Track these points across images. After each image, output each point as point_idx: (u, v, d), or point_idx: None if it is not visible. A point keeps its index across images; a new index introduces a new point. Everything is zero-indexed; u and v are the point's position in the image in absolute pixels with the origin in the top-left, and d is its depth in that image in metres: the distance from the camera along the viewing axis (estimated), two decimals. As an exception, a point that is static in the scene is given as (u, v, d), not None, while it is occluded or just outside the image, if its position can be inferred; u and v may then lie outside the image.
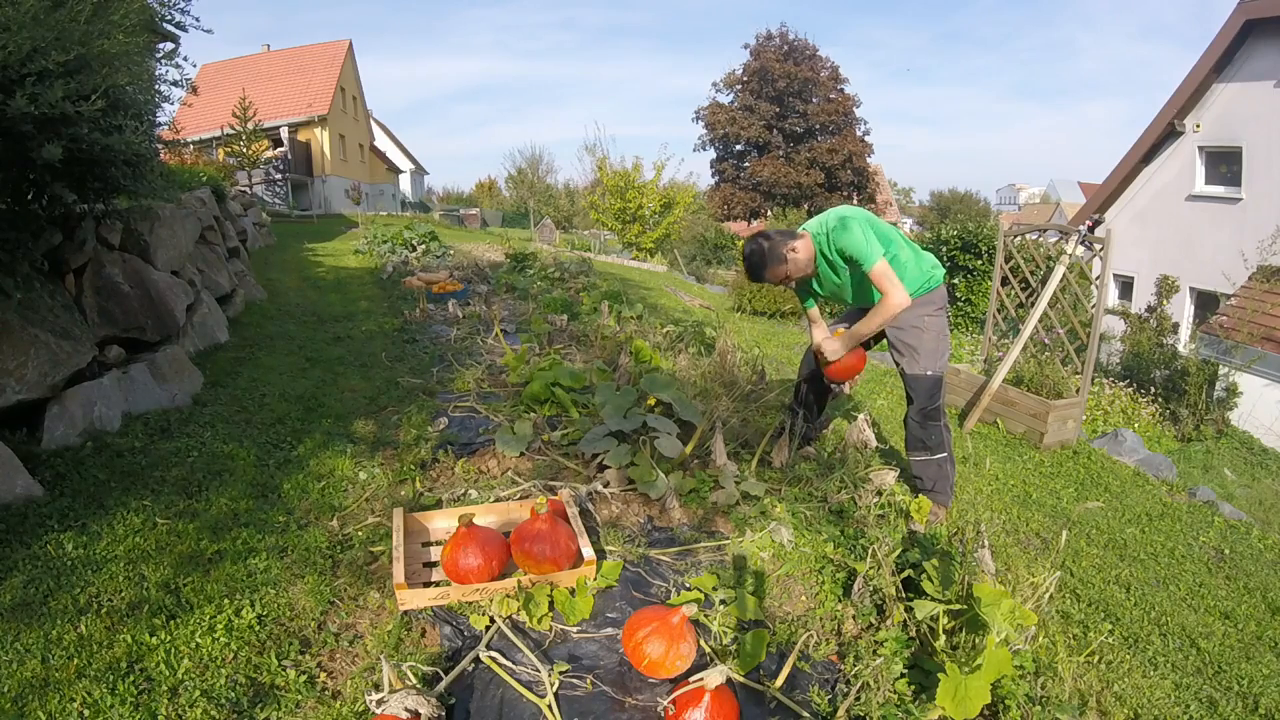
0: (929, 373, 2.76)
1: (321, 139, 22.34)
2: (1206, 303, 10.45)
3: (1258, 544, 3.57)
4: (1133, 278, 11.87)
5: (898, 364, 2.87)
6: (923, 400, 2.79)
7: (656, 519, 2.54)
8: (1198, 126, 10.97)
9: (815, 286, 2.88)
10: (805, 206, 27.21)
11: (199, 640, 1.73)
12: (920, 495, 2.87)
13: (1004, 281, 5.23)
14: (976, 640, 1.76)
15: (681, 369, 4.01)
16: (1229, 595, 2.95)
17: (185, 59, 3.15)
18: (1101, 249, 4.54)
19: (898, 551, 2.17)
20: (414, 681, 1.63)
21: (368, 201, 24.34)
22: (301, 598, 1.96)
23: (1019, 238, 5.31)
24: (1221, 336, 8.48)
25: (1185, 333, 9.89)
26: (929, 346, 2.75)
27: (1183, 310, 10.60)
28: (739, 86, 29.37)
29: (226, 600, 1.89)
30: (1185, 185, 11.23)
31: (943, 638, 1.82)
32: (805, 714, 1.67)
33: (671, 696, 1.62)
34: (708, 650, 1.88)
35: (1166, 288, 9.07)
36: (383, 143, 34.08)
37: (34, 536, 2.07)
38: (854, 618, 2.04)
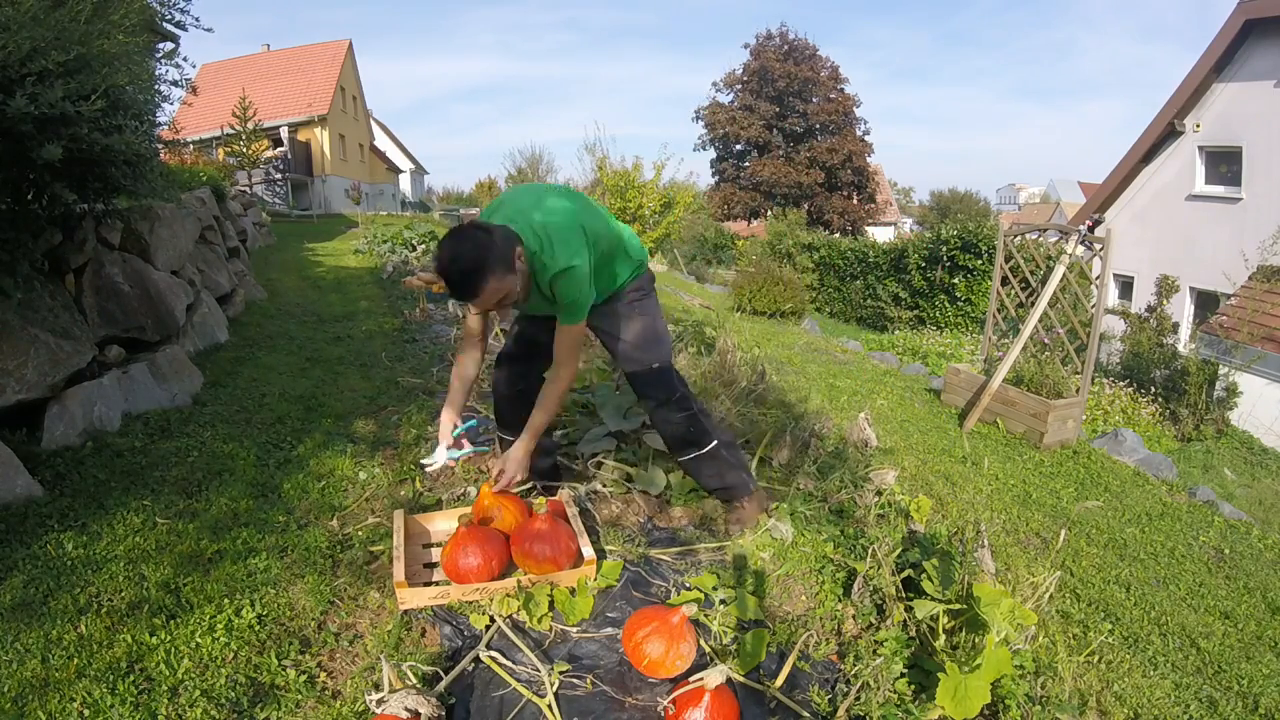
0: (654, 365, 2.28)
1: (321, 139, 22.34)
2: (1206, 302, 10.45)
3: (1258, 544, 3.57)
4: (1133, 278, 11.87)
5: (615, 362, 2.50)
6: (659, 393, 2.30)
7: (656, 518, 2.54)
8: (1198, 126, 10.97)
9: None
10: (805, 206, 27.22)
11: (199, 640, 1.73)
12: (919, 498, 2.85)
13: (1004, 281, 5.23)
14: (976, 640, 1.76)
15: (681, 369, 4.01)
16: (1229, 595, 2.95)
17: (185, 59, 3.16)
18: (1101, 249, 4.54)
19: (898, 551, 2.17)
20: (414, 681, 1.63)
21: (368, 201, 24.33)
22: (301, 597, 1.96)
23: (1019, 237, 5.31)
24: (1221, 336, 8.48)
25: (1185, 332, 9.89)
26: (637, 335, 2.26)
27: (1183, 310, 10.60)
28: (739, 86, 29.36)
29: (226, 600, 1.89)
30: (1185, 185, 11.23)
31: (943, 637, 1.82)
32: (805, 714, 1.67)
33: (671, 696, 1.62)
34: (708, 650, 1.88)
35: (1166, 288, 9.07)
36: (383, 142, 34.07)
37: (34, 536, 2.07)
38: (854, 617, 2.04)
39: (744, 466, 2.49)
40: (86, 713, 1.50)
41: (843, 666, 1.88)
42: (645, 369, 2.30)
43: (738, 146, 30.11)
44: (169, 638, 1.73)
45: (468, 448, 2.24)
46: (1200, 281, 10.51)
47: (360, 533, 2.31)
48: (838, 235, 22.28)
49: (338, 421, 3.25)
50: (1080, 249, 4.73)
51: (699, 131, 30.47)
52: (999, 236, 5.28)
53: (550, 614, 1.96)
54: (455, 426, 2.22)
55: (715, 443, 2.37)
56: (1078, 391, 4.70)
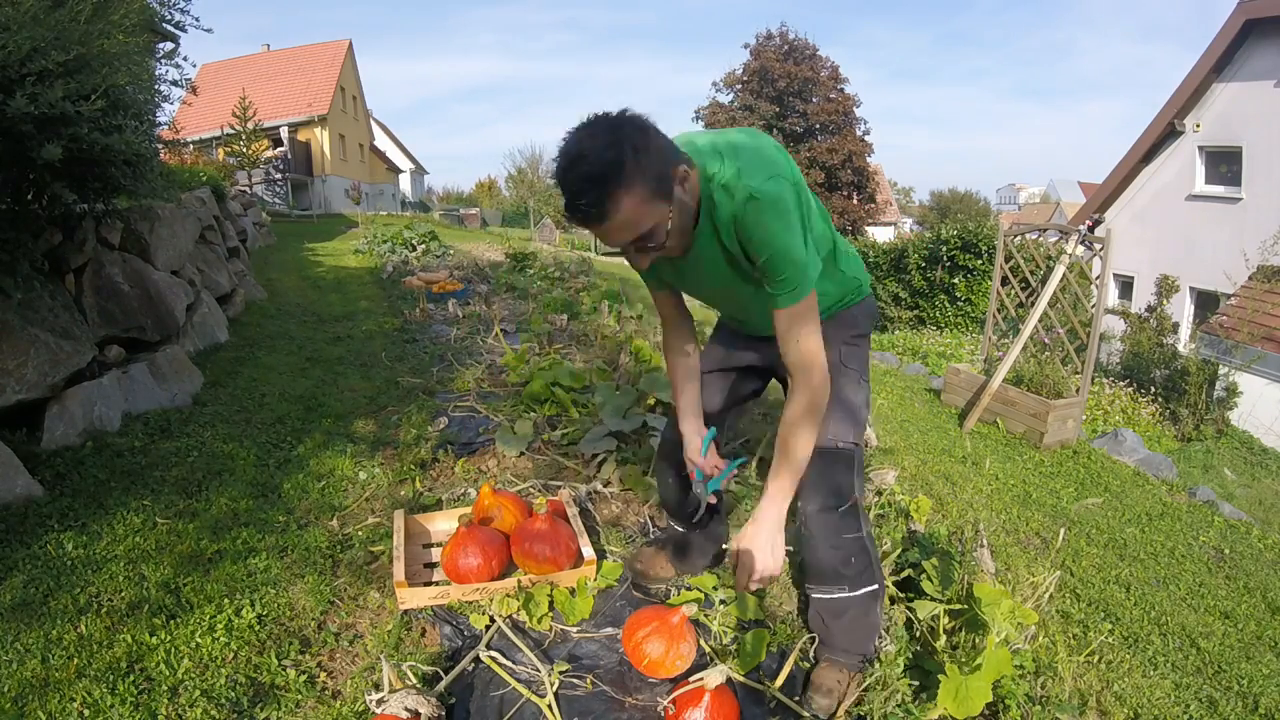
0: (839, 444, 1.56)
1: (321, 139, 22.34)
2: (1206, 302, 10.45)
3: (1258, 544, 3.57)
4: (1133, 278, 11.87)
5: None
6: (827, 489, 1.58)
7: (657, 518, 2.54)
8: (1198, 126, 10.97)
9: (673, 276, 1.55)
10: (805, 206, 27.20)
11: (199, 640, 1.73)
12: (918, 498, 2.84)
13: (1004, 281, 5.23)
14: (977, 640, 1.76)
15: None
16: (1229, 595, 2.95)
17: (185, 59, 3.16)
18: (1101, 249, 4.54)
19: (898, 551, 2.17)
20: (414, 681, 1.63)
21: (368, 201, 24.33)
22: (301, 597, 1.95)
23: (1019, 237, 5.31)
24: (1221, 336, 8.48)
25: (1185, 332, 9.89)
26: (845, 398, 1.57)
27: (1183, 310, 10.60)
28: (739, 86, 29.35)
29: (226, 600, 1.89)
30: (1185, 185, 11.23)
31: (943, 637, 1.82)
32: (805, 714, 1.67)
33: (671, 696, 1.62)
34: (708, 650, 1.88)
35: (1166, 287, 9.07)
36: (383, 142, 34.07)
37: (34, 536, 2.07)
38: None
39: (880, 632, 1.78)
40: (86, 713, 1.50)
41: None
42: (824, 448, 1.50)
43: (738, 146, 30.08)
44: (169, 638, 1.73)
45: (724, 467, 1.67)
46: (1200, 281, 10.51)
47: (360, 533, 2.31)
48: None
49: (338, 421, 3.25)
50: (1080, 249, 4.73)
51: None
52: (999, 236, 5.28)
53: (550, 614, 1.96)
54: (701, 441, 1.66)
55: (875, 587, 1.67)
56: (1078, 391, 4.69)
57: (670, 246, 1.30)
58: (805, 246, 1.28)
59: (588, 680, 1.74)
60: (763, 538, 1.41)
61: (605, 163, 1.12)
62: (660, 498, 2.14)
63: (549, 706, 1.63)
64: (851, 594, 1.65)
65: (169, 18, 3.17)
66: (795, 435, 1.38)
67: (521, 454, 2.90)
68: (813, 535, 1.60)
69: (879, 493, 2.75)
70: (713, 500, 1.68)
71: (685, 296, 1.70)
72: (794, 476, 1.41)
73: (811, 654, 1.80)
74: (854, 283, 1.59)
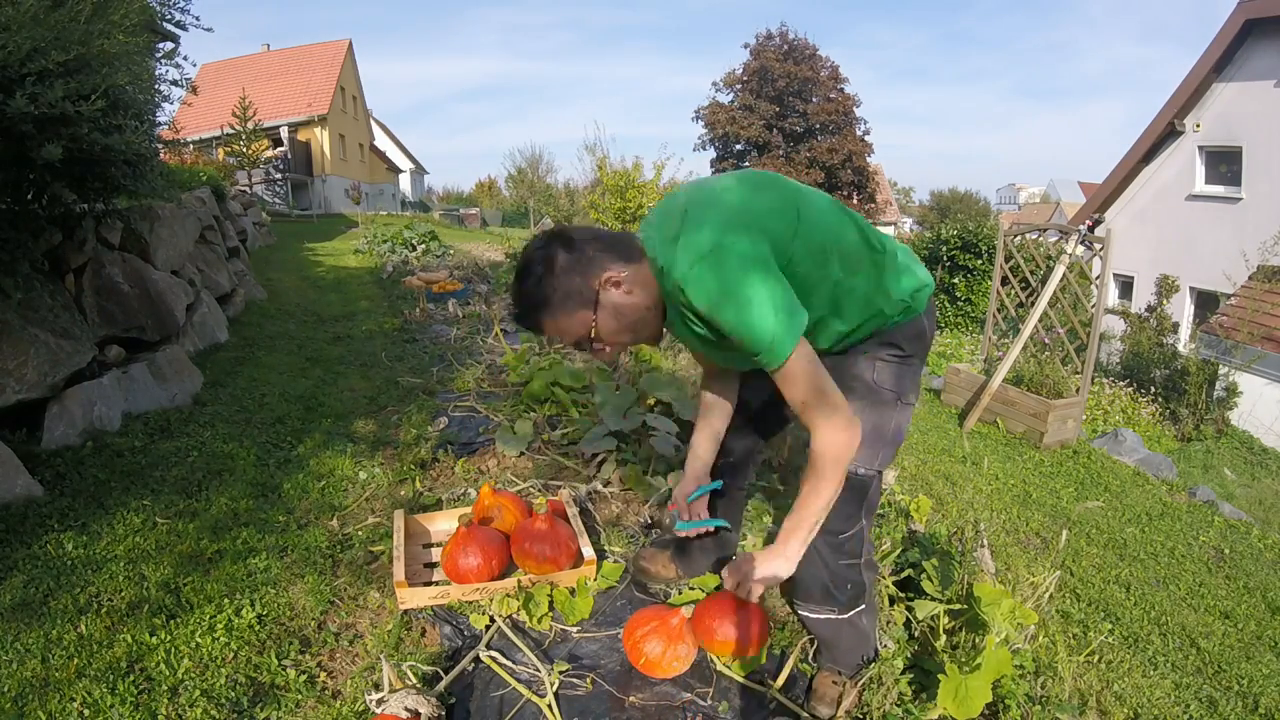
0: (858, 471, 1.50)
1: (321, 139, 22.35)
2: (1206, 302, 10.45)
3: (1258, 544, 3.57)
4: (1133, 277, 11.87)
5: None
6: (835, 520, 1.50)
7: (659, 518, 2.54)
8: (1198, 126, 10.97)
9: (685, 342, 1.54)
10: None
11: (199, 640, 1.73)
12: (918, 498, 2.84)
13: (1004, 281, 5.23)
14: (976, 640, 1.76)
15: (682, 368, 4.01)
16: (1229, 595, 2.95)
17: (185, 58, 3.16)
18: (1101, 248, 4.54)
19: (898, 551, 2.17)
20: (414, 681, 1.63)
21: (367, 201, 24.33)
22: (301, 597, 1.96)
23: (1019, 237, 5.31)
24: (1221, 336, 8.48)
25: (1185, 332, 9.89)
26: (874, 422, 1.49)
27: (1183, 310, 10.60)
28: (739, 86, 29.36)
29: (226, 600, 1.89)
30: (1185, 185, 11.23)
31: (943, 637, 1.82)
32: (805, 714, 1.67)
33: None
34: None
35: (1166, 287, 9.07)
36: (383, 142, 34.08)
37: (34, 536, 2.07)
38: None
39: (874, 640, 1.76)
40: (86, 713, 1.50)
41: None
42: (852, 471, 1.46)
43: (738, 146, 30.11)
44: (169, 638, 1.73)
45: (702, 518, 1.70)
46: (1200, 281, 10.51)
47: (360, 533, 2.31)
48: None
49: (338, 421, 3.25)
50: (1080, 249, 4.73)
51: (699, 131, 30.49)
52: (999, 236, 5.28)
53: (550, 614, 1.96)
54: (696, 489, 1.70)
55: (863, 608, 1.66)
56: (1078, 391, 4.69)
57: (620, 343, 1.39)
58: (767, 314, 1.21)
59: (588, 680, 1.74)
60: (765, 567, 1.43)
61: (528, 296, 1.34)
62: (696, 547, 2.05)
63: (549, 706, 1.63)
64: (840, 616, 1.64)
65: (169, 17, 3.17)
66: (808, 487, 1.35)
67: (521, 454, 2.90)
68: (809, 556, 1.51)
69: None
70: (682, 534, 1.73)
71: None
72: (802, 529, 1.39)
73: (811, 657, 1.81)
74: (898, 305, 1.45)
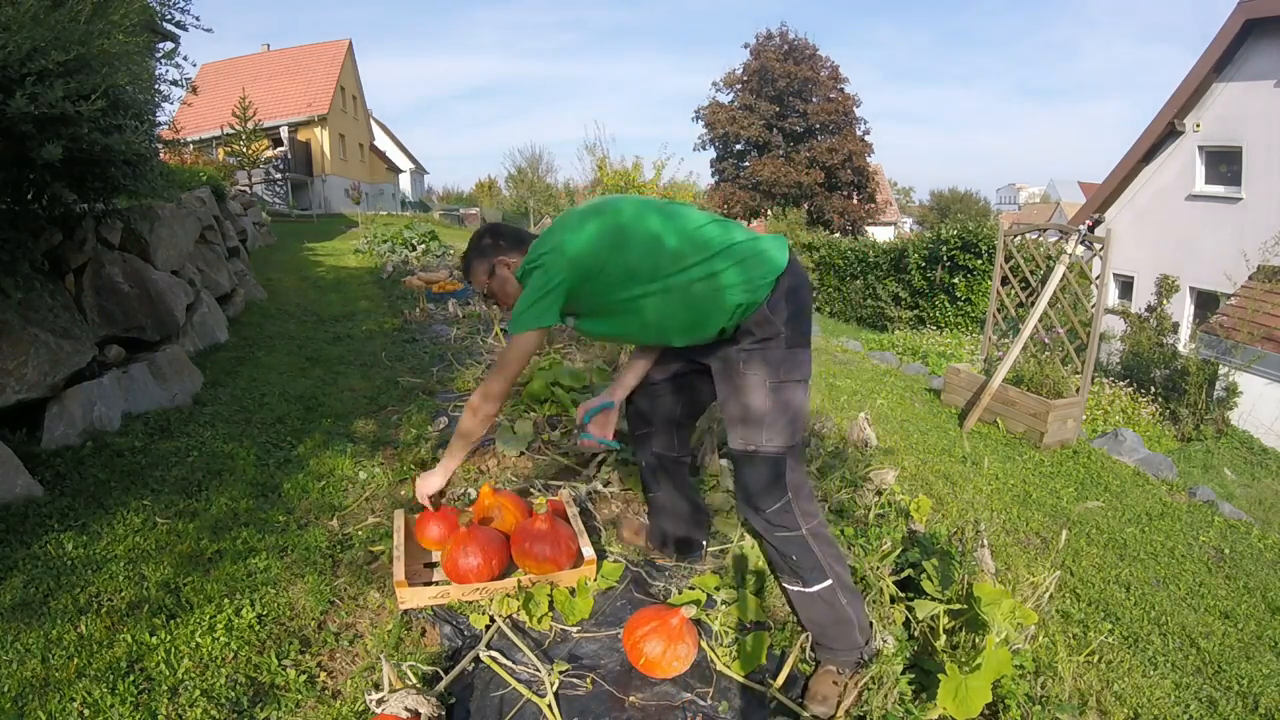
0: (749, 447, 1.68)
1: (321, 138, 22.35)
2: (1206, 302, 10.45)
3: (1258, 544, 3.57)
4: (1133, 277, 11.87)
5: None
6: (753, 491, 1.70)
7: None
8: (1198, 126, 10.97)
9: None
10: (805, 206, 27.20)
11: (199, 640, 1.73)
12: (918, 498, 2.84)
13: (1004, 281, 5.23)
14: (976, 640, 1.76)
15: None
16: (1229, 595, 2.95)
17: (185, 58, 3.15)
18: (1101, 248, 4.54)
19: (898, 551, 2.17)
20: (414, 681, 1.63)
21: (367, 201, 24.33)
22: (301, 597, 1.95)
23: (1019, 237, 5.31)
24: (1221, 336, 8.48)
25: (1185, 332, 9.89)
26: (743, 401, 1.69)
27: (1183, 310, 10.60)
28: (739, 86, 29.33)
29: (226, 600, 1.89)
30: (1185, 185, 11.23)
31: (943, 637, 1.82)
32: (805, 714, 1.67)
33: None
34: (710, 652, 1.87)
35: (1166, 287, 9.07)
36: (383, 142, 34.08)
37: (34, 536, 2.07)
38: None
39: (861, 625, 1.76)
40: (86, 713, 1.50)
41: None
42: (741, 452, 1.69)
43: (738, 146, 30.09)
44: (169, 637, 1.73)
45: (608, 438, 2.04)
46: (1200, 281, 10.51)
47: (360, 533, 2.31)
48: (837, 235, 22.26)
49: (338, 421, 3.25)
50: (1080, 249, 4.73)
51: (699, 131, 30.45)
52: (999, 236, 5.28)
53: (550, 614, 1.96)
54: (593, 406, 2.07)
55: (828, 583, 1.71)
56: (1078, 391, 4.69)
57: (505, 303, 1.92)
58: (531, 301, 1.71)
59: (588, 680, 1.74)
60: (424, 480, 2.06)
61: (467, 257, 1.97)
62: (656, 521, 2.26)
63: (549, 706, 1.63)
64: (806, 589, 1.72)
65: (169, 18, 3.17)
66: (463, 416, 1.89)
67: (521, 454, 2.90)
68: (755, 535, 1.82)
69: (879, 493, 2.75)
70: (584, 444, 2.10)
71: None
72: (452, 449, 1.98)
73: (809, 653, 1.83)
74: (738, 298, 1.66)
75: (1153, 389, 7.75)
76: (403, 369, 4.16)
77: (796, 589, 1.74)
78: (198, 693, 1.58)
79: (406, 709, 1.50)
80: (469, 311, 5.83)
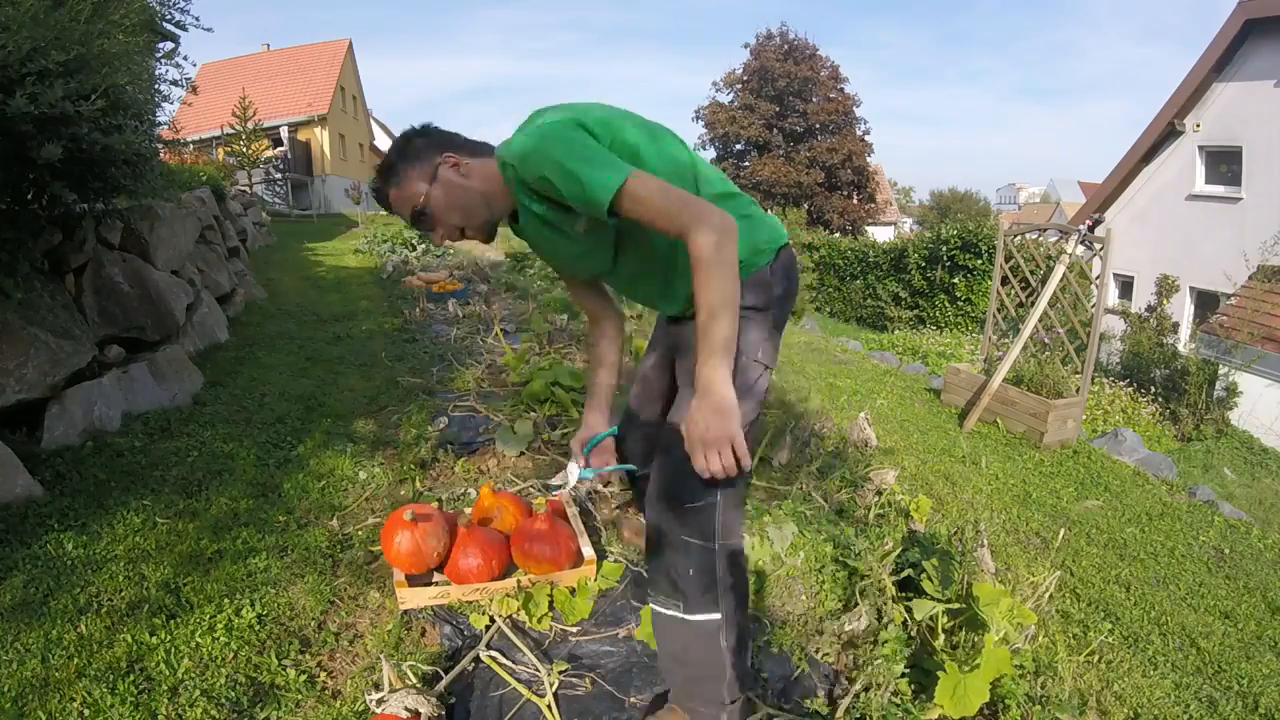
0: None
1: (321, 138, 22.34)
2: (1207, 302, 10.45)
3: (1258, 543, 3.57)
4: (1133, 277, 11.87)
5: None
6: (678, 476, 1.33)
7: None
8: (1198, 126, 10.97)
9: (554, 263, 1.60)
10: (805, 206, 27.21)
11: (199, 640, 1.73)
12: (918, 498, 2.84)
13: (1004, 281, 5.23)
14: (976, 639, 1.76)
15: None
16: (1229, 595, 2.95)
17: (185, 58, 3.18)
18: (1101, 248, 4.54)
19: (898, 551, 2.17)
20: (414, 681, 1.63)
21: (368, 201, 24.30)
22: (301, 597, 1.96)
23: (1019, 237, 5.31)
24: (1221, 336, 8.48)
25: (1185, 332, 9.89)
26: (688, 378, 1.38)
27: (1183, 310, 10.60)
28: (739, 86, 29.35)
29: (226, 600, 1.89)
30: (1185, 185, 11.23)
31: (942, 637, 1.82)
32: (805, 714, 1.67)
33: None
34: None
35: (1166, 287, 9.07)
36: (383, 142, 34.04)
37: (34, 536, 2.07)
38: (854, 617, 2.03)
39: (738, 677, 1.41)
40: (86, 713, 1.50)
41: (837, 667, 1.87)
42: (678, 428, 1.29)
43: (738, 146, 30.10)
44: (169, 637, 1.73)
45: (611, 463, 1.65)
46: (1200, 281, 10.51)
47: (360, 533, 2.31)
48: (838, 235, 22.28)
49: (338, 421, 3.25)
50: (1080, 249, 4.73)
51: (699, 131, 30.47)
52: (999, 236, 5.28)
53: (550, 614, 1.96)
54: (593, 435, 1.64)
55: (715, 618, 1.35)
56: (1078, 391, 4.69)
57: (450, 223, 1.40)
58: (589, 154, 1.23)
59: (587, 680, 1.75)
60: (706, 402, 1.18)
61: (382, 169, 1.40)
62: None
63: (549, 706, 1.63)
64: (687, 617, 1.35)
65: (169, 18, 3.17)
66: (699, 288, 1.18)
67: (521, 454, 2.90)
68: (653, 529, 1.40)
69: (879, 493, 2.75)
70: (580, 485, 1.78)
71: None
72: (714, 341, 1.18)
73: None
74: (748, 255, 1.37)
75: (1153, 389, 7.76)
76: (403, 369, 4.16)
77: (671, 613, 1.37)
78: (198, 693, 1.58)
79: (406, 709, 1.50)
80: (469, 311, 5.83)
